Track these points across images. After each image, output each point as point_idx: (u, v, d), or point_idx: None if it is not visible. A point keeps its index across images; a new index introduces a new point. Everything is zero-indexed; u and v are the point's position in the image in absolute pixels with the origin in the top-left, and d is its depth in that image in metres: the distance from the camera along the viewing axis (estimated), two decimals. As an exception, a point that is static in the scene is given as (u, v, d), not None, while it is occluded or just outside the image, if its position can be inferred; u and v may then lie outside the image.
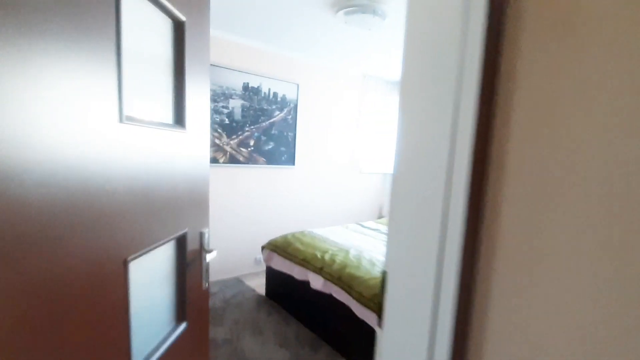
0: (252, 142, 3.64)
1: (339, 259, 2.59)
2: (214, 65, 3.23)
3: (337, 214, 4.57)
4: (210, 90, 3.25)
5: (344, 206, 4.62)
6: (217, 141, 3.38)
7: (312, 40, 3.33)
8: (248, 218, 3.70)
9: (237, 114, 3.49)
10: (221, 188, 3.47)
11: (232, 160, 3.51)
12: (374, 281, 2.23)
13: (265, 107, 3.68)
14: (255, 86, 3.57)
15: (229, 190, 3.53)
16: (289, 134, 3.93)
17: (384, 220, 4.05)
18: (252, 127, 3.62)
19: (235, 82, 3.42)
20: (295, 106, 3.92)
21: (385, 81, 4.74)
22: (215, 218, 3.45)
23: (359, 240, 3.18)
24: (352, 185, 4.68)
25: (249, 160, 3.64)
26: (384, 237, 3.28)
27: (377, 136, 4.83)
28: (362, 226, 3.80)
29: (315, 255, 2.69)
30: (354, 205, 4.76)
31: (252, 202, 3.72)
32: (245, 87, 3.50)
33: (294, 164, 4.00)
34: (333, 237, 3.22)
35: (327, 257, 2.64)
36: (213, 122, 3.33)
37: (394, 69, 4.17)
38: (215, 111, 3.33)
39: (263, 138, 3.72)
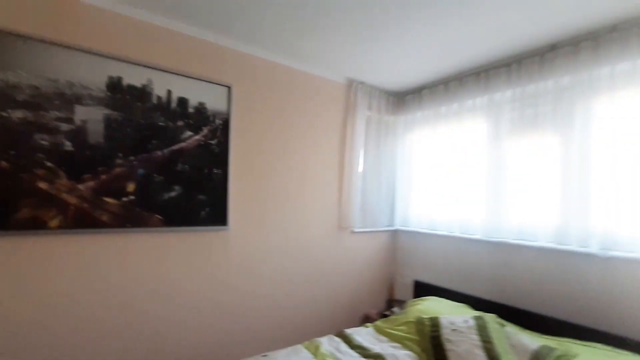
0: (131, 187, 1.94)
1: None
2: (31, 38, 1.66)
3: (316, 310, 2.65)
4: (28, 86, 1.66)
5: (323, 293, 2.71)
6: (42, 185, 1.69)
7: (258, 18, 1.79)
8: (128, 335, 1.87)
9: (95, 134, 1.84)
10: (54, 281, 1.70)
11: (84, 221, 1.79)
12: None
13: (160, 123, 2.04)
14: (138, 85, 1.97)
15: (74, 283, 1.75)
16: (215, 170, 2.23)
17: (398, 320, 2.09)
18: (132, 157, 1.95)
19: (90, 75, 1.82)
20: (225, 124, 2.27)
21: (386, 92, 3.09)
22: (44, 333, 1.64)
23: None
24: (338, 255, 2.82)
25: (126, 220, 1.91)
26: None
27: (378, 174, 3.05)
28: (356, 347, 1.85)
29: None
30: (342, 291, 2.84)
31: (133, 301, 1.91)
32: (114, 86, 1.89)
33: (225, 223, 2.24)
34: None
35: None
36: (33, 147, 1.68)
37: (404, 71, 2.54)
38: (38, 127, 1.69)
39: (157, 178, 2.03)
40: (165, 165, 2.05)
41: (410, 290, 2.89)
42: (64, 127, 1.76)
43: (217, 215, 2.20)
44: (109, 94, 1.88)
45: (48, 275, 1.69)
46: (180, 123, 2.10)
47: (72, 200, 1.76)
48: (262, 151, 2.42)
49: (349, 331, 2.08)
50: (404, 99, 3.13)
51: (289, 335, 2.48)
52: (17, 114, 1.64)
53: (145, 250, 1.95)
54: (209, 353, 2.17)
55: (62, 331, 1.72)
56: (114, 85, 1.89)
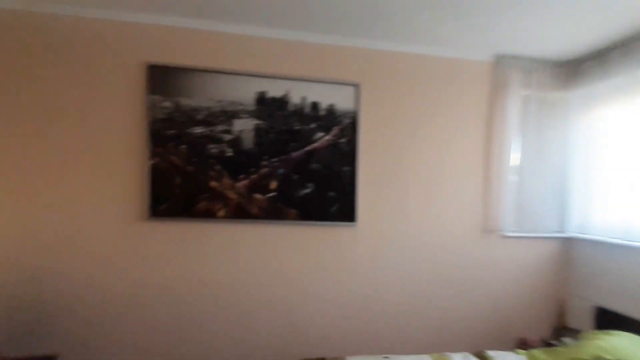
0: (273, 185, 2.24)
1: None
2: (205, 70, 2.14)
3: (450, 321, 2.38)
4: (204, 108, 2.16)
5: (461, 303, 2.40)
6: (213, 184, 2.17)
7: (384, 14, 1.79)
8: (264, 316, 2.19)
9: (248, 141, 2.22)
10: (218, 260, 2.16)
11: (240, 213, 2.19)
12: None
13: (297, 127, 2.27)
14: (278, 96, 2.25)
15: (231, 263, 2.18)
16: (344, 168, 2.31)
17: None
18: (274, 159, 2.24)
19: (244, 93, 2.21)
20: (354, 122, 2.31)
21: (551, 63, 2.47)
22: (204, 312, 2.13)
23: None
24: (482, 261, 2.43)
25: (269, 213, 2.22)
26: None
27: (541, 166, 2.47)
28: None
29: None
30: (485, 305, 2.42)
31: (271, 286, 2.21)
32: (261, 99, 2.23)
33: (353, 220, 2.29)
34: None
35: None
36: (207, 155, 2.17)
37: (577, 31, 1.98)
38: (210, 139, 2.17)
39: (294, 177, 2.26)
40: (301, 165, 2.27)
41: (588, 318, 2.20)
42: (227, 137, 2.19)
43: (346, 211, 2.28)
44: (257, 106, 2.22)
45: (216, 253, 2.16)
46: (313, 125, 2.28)
47: (232, 196, 2.19)
48: (392, 146, 2.35)
49: (492, 354, 1.76)
50: (578, 68, 2.41)
51: (413, 342, 2.33)
52: (197, 130, 2.16)
53: (284, 240, 2.22)
54: (328, 343, 2.26)
55: (221, 293, 2.17)
56: (261, 98, 2.23)
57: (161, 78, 2.10)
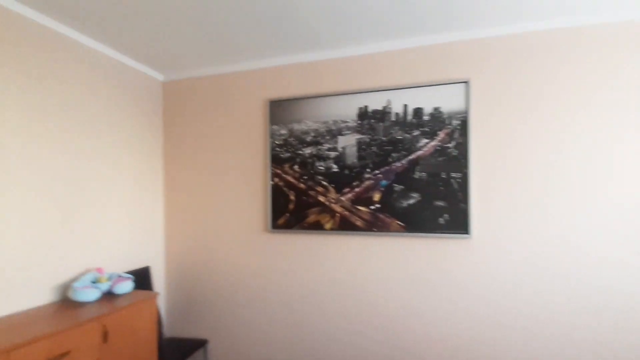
0: (377, 196, 2.21)
1: None
2: (311, 97, 2.39)
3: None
4: (312, 130, 2.39)
5: (625, 350, 1.61)
6: (320, 198, 2.33)
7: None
8: (365, 327, 2.09)
9: (351, 156, 2.29)
10: (325, 268, 2.25)
11: (345, 225, 2.25)
12: None
13: (398, 137, 2.20)
14: (379, 108, 2.25)
15: (337, 272, 2.23)
16: (453, 175, 2.05)
17: None
18: (377, 171, 2.22)
19: (346, 110, 2.32)
20: (464, 122, 2.05)
21: None
22: (306, 322, 2.22)
23: None
24: None
25: (373, 225, 2.19)
26: None
27: None
28: None
29: None
30: None
31: (374, 297, 2.11)
32: (362, 114, 2.29)
33: (467, 231, 1.97)
34: None
35: None
36: (315, 172, 2.36)
37: None
38: (318, 157, 2.37)
39: (397, 188, 2.17)
40: (404, 175, 2.16)
41: None
42: (332, 154, 2.34)
43: (457, 222, 2.00)
44: (359, 121, 2.30)
45: (324, 262, 2.27)
46: (416, 133, 2.16)
47: (338, 209, 2.28)
48: (516, 145, 1.94)
49: None
50: None
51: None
52: (307, 150, 2.40)
53: (386, 252, 2.12)
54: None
55: (326, 296, 2.22)
56: (362, 113, 2.29)
57: (278, 110, 2.47)
